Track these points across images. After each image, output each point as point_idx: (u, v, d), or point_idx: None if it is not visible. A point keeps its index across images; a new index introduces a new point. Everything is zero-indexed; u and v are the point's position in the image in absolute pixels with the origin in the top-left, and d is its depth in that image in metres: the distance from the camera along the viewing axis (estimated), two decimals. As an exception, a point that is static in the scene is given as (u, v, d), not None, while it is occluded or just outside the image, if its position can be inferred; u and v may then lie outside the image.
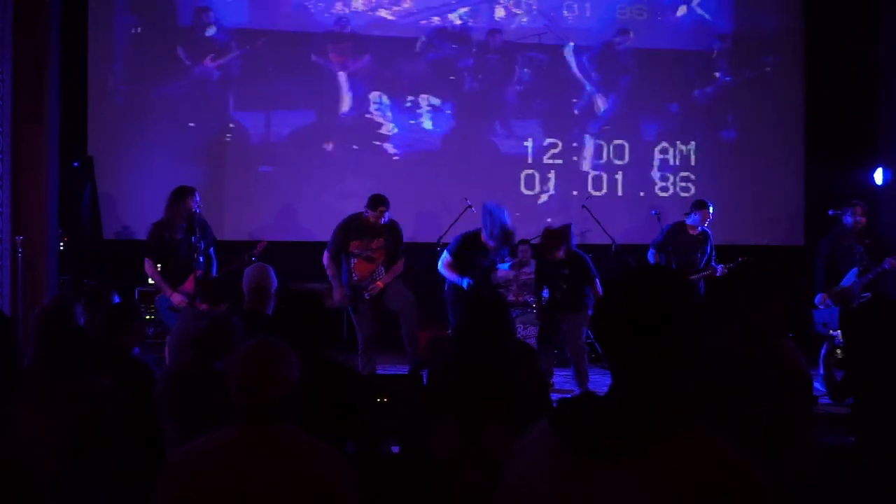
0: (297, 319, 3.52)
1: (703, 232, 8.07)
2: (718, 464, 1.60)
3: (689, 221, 8.06)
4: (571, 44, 9.89)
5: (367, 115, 9.65)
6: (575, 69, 9.91)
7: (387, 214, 7.06)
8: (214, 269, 7.04)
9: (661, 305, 1.65)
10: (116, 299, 5.21)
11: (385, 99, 9.67)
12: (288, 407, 2.45)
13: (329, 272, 7.17)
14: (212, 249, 7.03)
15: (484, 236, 7.10)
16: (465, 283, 7.09)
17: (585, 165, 9.92)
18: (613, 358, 1.71)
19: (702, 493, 1.56)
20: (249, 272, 5.26)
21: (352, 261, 7.12)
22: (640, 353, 1.66)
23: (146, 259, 6.90)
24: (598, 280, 7.19)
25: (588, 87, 9.95)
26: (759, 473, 1.60)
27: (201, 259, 6.87)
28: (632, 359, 1.67)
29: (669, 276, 1.70)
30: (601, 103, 9.97)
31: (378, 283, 7.08)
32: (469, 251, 7.17)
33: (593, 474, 1.64)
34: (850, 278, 7.57)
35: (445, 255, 7.27)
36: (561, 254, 7.16)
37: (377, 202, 7.05)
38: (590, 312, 7.10)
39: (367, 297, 7.11)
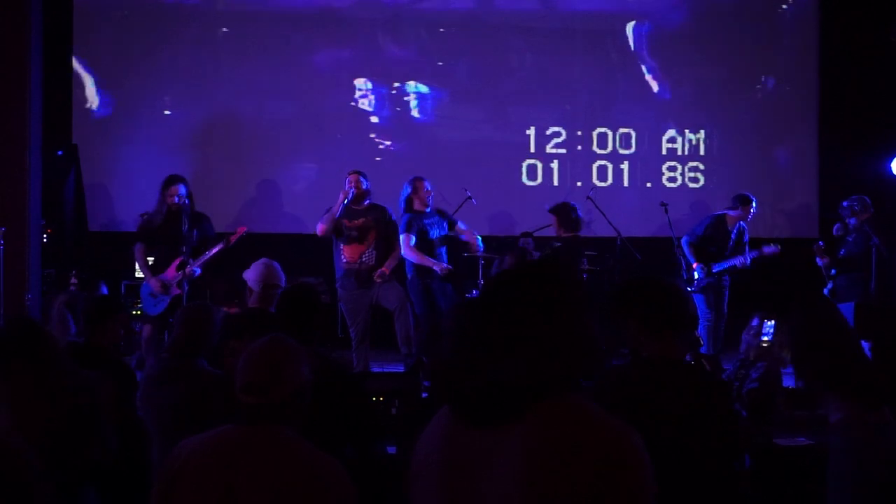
0: (295, 315, 3.50)
1: (741, 226, 8.10)
2: (593, 427, 1.64)
3: (731, 214, 8.04)
4: (575, 28, 9.59)
5: (352, 104, 9.38)
6: (579, 54, 9.63)
7: (364, 181, 7.12)
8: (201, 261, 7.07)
9: (548, 287, 1.76)
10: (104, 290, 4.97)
11: (369, 85, 9.38)
12: (292, 409, 2.42)
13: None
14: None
15: (417, 204, 7.26)
16: (438, 267, 7.17)
17: (590, 155, 9.61)
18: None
19: (579, 455, 1.60)
20: (258, 269, 4.92)
21: (340, 245, 7.13)
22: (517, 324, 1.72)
23: (136, 244, 7.17)
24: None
25: (592, 73, 9.67)
26: (635, 437, 1.65)
27: (184, 249, 6.93)
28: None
29: (557, 269, 1.80)
30: (606, 90, 9.69)
31: (384, 269, 7.05)
32: (418, 223, 7.22)
33: (476, 442, 1.71)
34: None
35: (405, 237, 7.20)
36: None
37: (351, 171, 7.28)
38: None
39: (379, 282, 7.06)
